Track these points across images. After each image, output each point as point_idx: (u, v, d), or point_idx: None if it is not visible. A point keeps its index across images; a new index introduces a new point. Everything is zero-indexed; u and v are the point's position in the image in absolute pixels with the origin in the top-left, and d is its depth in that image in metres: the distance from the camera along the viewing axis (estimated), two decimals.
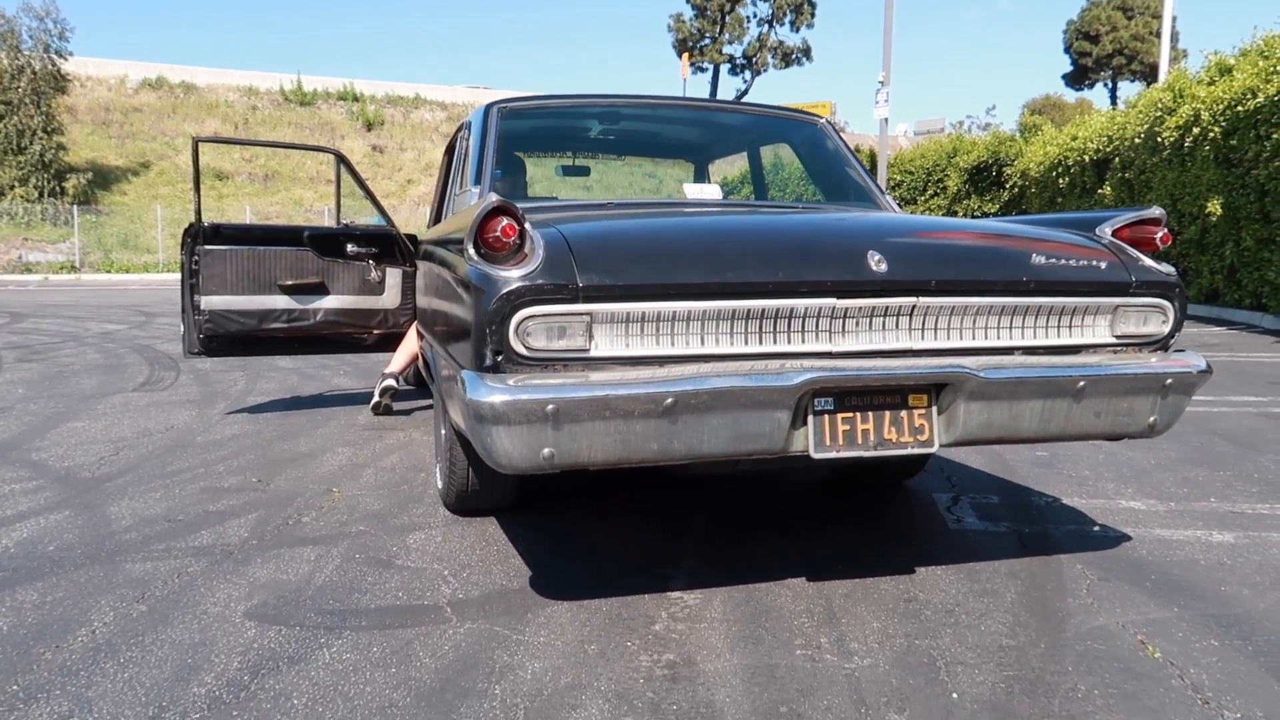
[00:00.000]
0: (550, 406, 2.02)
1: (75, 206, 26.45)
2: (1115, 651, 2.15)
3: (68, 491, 3.50)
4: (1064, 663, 2.10)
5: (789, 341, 2.26)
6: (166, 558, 2.78)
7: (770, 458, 2.26)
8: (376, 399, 5.06)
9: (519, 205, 2.20)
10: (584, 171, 5.35)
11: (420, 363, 4.32)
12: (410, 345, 5.03)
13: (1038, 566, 2.71)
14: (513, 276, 2.08)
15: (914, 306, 2.31)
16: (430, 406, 5.33)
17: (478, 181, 3.21)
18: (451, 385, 2.39)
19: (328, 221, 25.38)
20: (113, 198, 28.65)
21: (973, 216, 19.01)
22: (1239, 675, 2.03)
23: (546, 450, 2.06)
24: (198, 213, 4.78)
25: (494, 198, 2.13)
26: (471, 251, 2.16)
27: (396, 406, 5.25)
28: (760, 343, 2.25)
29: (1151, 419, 2.47)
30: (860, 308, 2.27)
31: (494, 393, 2.02)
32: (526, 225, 2.16)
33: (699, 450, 2.16)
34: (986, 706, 1.90)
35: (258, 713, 1.87)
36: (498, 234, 2.10)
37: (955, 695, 1.95)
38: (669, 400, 2.07)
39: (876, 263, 2.26)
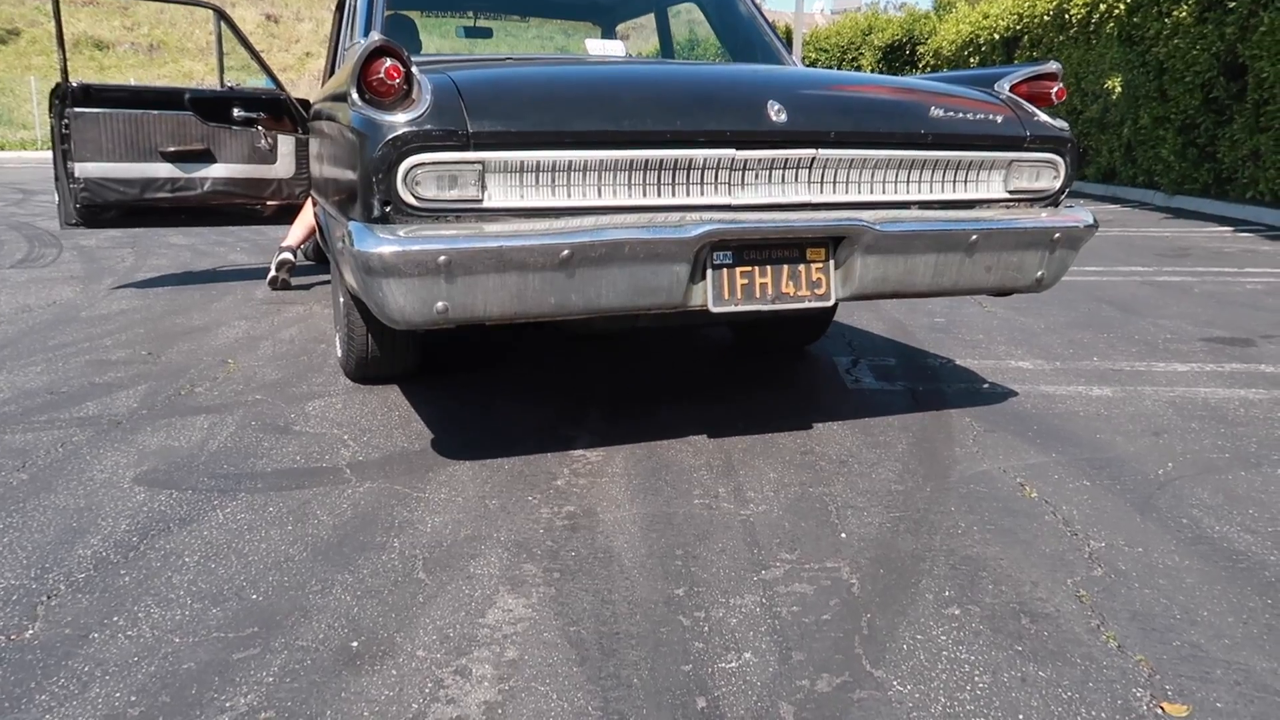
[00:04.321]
0: (442, 258, 1.96)
1: None
2: (995, 493, 2.26)
3: None
4: (947, 504, 2.19)
5: (687, 194, 2.23)
6: (49, 428, 2.68)
7: (669, 312, 2.25)
8: (273, 274, 4.88)
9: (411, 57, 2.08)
10: (487, 34, 5.11)
11: (317, 232, 4.16)
12: (308, 218, 4.85)
13: (929, 420, 2.81)
14: (399, 121, 1.98)
15: (813, 159, 2.29)
16: (330, 281, 5.17)
17: (367, 32, 3.03)
18: (343, 243, 2.30)
19: None
20: None
21: None
22: (1105, 510, 2.16)
23: (440, 304, 2.02)
24: (64, 71, 4.44)
25: (376, 37, 2.01)
26: (355, 96, 2.05)
27: (295, 281, 5.08)
28: (659, 195, 2.21)
29: (1040, 273, 2.53)
30: (759, 159, 2.25)
31: (383, 244, 1.95)
32: (413, 69, 2.05)
33: (597, 304, 2.14)
34: (872, 544, 1.98)
35: (147, 570, 1.84)
36: (381, 76, 1.99)
37: (844, 535, 2.03)
38: (565, 252, 2.03)
39: (776, 113, 2.23)
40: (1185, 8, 8.99)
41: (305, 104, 4.85)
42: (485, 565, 1.88)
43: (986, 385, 3.19)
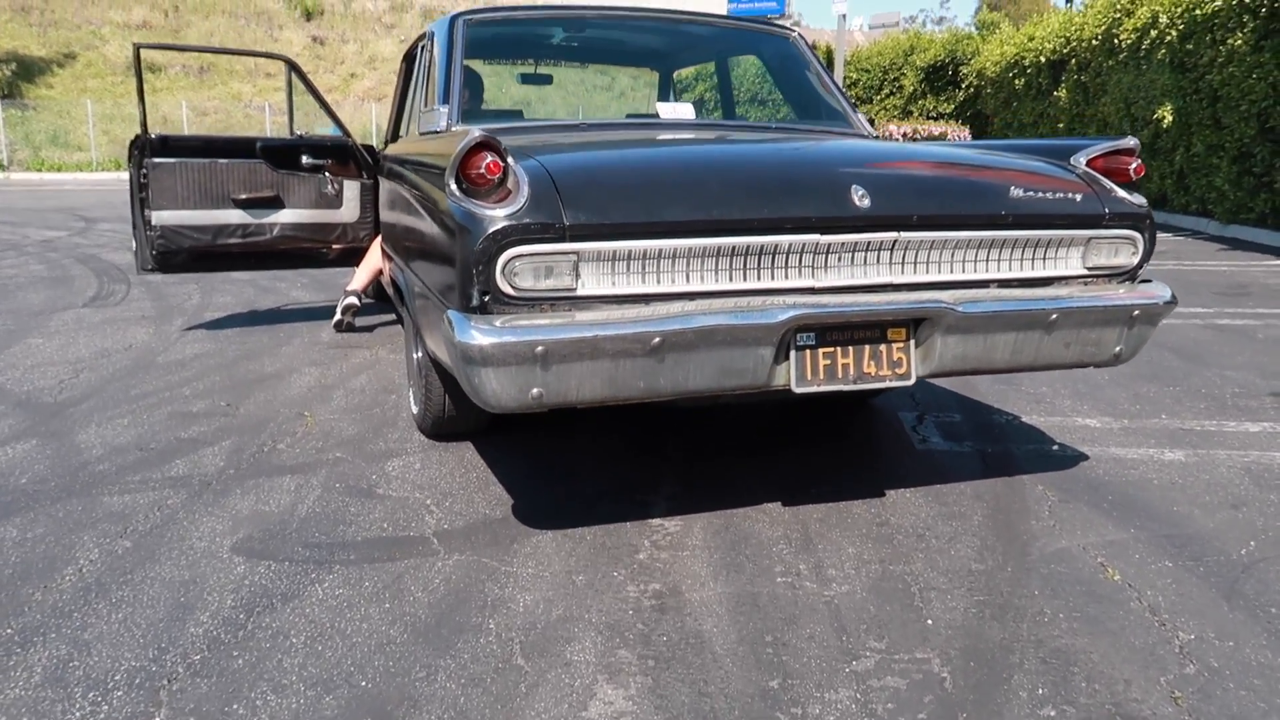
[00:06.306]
0: (539, 348, 2.02)
1: None
2: (1077, 574, 2.27)
3: (32, 418, 3.44)
4: (1030, 587, 2.21)
5: (773, 278, 2.27)
6: (144, 489, 2.77)
7: (752, 392, 2.29)
8: (339, 317, 4.99)
9: (491, 126, 2.15)
10: (547, 80, 5.22)
11: (387, 282, 4.26)
12: (373, 261, 4.95)
13: (1001, 488, 2.82)
14: (498, 215, 2.05)
15: (895, 241, 2.33)
16: (394, 322, 5.28)
17: (445, 101, 3.12)
18: (435, 321, 2.38)
19: (269, 118, 24.47)
20: (38, 91, 27.22)
21: (928, 116, 18.94)
22: (1191, 596, 2.16)
23: (535, 390, 2.08)
24: (143, 123, 4.59)
25: (477, 133, 2.08)
26: (453, 187, 2.12)
27: (358, 323, 5.20)
28: (745, 279, 2.26)
29: (1117, 349, 2.54)
30: (843, 243, 2.29)
31: (483, 335, 2.01)
32: (510, 160, 2.12)
33: (684, 387, 2.19)
34: (960, 631, 2.01)
35: (258, 652, 1.91)
36: (481, 170, 2.06)
37: (930, 621, 2.05)
38: (656, 339, 2.09)
39: (860, 198, 2.27)
40: (1241, 35, 8.89)
41: (370, 150, 4.97)
42: (581, 650, 1.93)
43: (1056, 447, 3.19)
